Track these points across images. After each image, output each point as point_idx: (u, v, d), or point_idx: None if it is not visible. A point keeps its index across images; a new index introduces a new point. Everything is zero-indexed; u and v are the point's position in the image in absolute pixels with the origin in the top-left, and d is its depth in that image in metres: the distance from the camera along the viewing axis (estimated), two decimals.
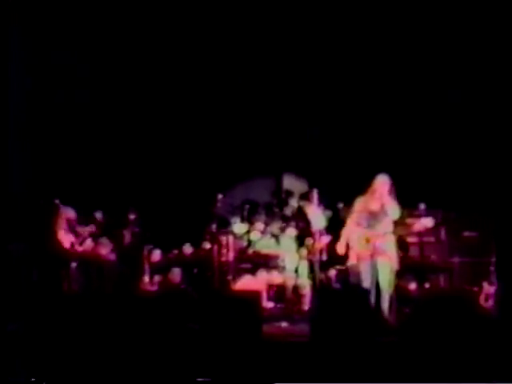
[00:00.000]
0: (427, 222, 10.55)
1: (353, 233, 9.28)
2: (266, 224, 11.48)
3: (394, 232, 9.25)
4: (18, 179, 10.81)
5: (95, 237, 10.87)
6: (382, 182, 9.22)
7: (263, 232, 11.37)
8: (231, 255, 11.05)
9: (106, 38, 11.91)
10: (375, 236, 9.11)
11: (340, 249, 9.37)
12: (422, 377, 6.95)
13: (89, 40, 11.86)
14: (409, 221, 10.48)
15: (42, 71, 11.38)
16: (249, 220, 11.51)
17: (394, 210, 9.13)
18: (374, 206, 9.19)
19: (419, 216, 10.73)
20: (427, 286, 10.79)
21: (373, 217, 9.18)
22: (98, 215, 11.22)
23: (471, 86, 11.76)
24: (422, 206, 10.87)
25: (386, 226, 9.17)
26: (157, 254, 11.40)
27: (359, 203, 9.29)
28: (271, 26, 11.93)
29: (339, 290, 10.25)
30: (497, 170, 11.51)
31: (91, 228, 10.87)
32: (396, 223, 9.26)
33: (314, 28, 11.91)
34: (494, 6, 11.01)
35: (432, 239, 10.98)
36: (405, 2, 11.51)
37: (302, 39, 12.06)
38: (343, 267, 10.33)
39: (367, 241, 9.14)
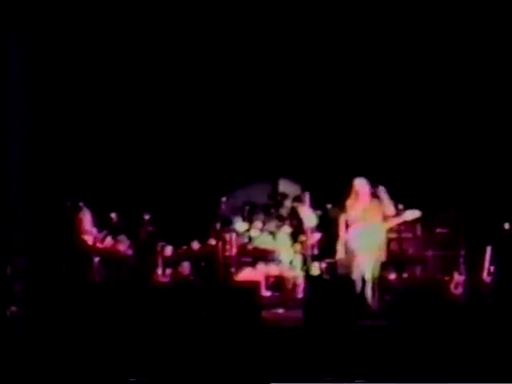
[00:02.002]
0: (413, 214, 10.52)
1: (349, 231, 9.32)
2: (264, 223, 11.46)
3: (383, 226, 9.30)
4: (44, 183, 10.87)
5: (115, 235, 10.94)
6: (361, 184, 9.28)
7: (262, 230, 11.34)
8: (234, 250, 10.98)
9: (115, 38, 11.68)
10: (366, 231, 9.16)
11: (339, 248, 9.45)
12: (401, 353, 7.01)
13: (93, 38, 11.62)
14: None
15: (46, 73, 11.12)
16: (249, 219, 11.50)
17: (388, 205, 9.20)
18: (362, 204, 9.23)
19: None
20: (405, 275, 10.82)
21: (363, 214, 9.21)
22: (116, 216, 11.30)
23: (442, 92, 11.82)
24: (401, 207, 10.89)
25: (376, 220, 9.21)
26: (168, 250, 11.42)
27: (349, 205, 9.32)
28: (269, 37, 11.81)
29: (329, 280, 10.26)
30: (466, 174, 11.57)
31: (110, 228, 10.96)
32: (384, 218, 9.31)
33: (305, 40, 11.80)
34: (493, 8, 10.92)
35: (409, 235, 10.94)
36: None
37: (293, 51, 11.95)
38: (332, 260, 10.37)
39: (361, 236, 9.18)
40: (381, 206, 9.24)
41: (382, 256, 9.26)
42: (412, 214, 9.51)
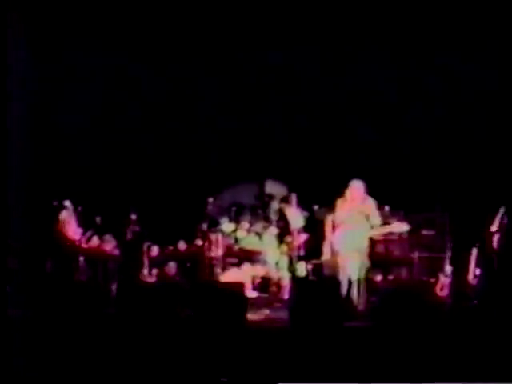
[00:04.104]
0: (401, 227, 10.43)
1: (335, 232, 9.27)
2: (251, 224, 11.44)
3: (370, 233, 9.27)
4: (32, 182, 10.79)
5: (101, 234, 10.89)
6: (356, 187, 9.22)
7: (248, 231, 11.33)
8: (220, 251, 10.99)
9: (105, 37, 11.64)
10: (353, 233, 9.10)
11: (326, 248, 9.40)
12: (386, 355, 6.99)
13: (89, 37, 11.62)
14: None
15: (44, 72, 11.09)
16: (235, 220, 11.46)
17: (375, 215, 9.15)
18: (352, 206, 9.17)
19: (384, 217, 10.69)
20: (391, 277, 10.81)
21: (351, 215, 9.15)
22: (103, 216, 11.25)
23: (427, 94, 11.82)
24: (387, 208, 10.87)
25: (363, 223, 9.17)
26: (155, 250, 11.40)
27: (339, 205, 9.26)
28: (255, 38, 11.77)
29: (315, 281, 10.23)
30: (452, 176, 11.58)
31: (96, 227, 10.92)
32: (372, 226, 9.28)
33: (291, 41, 11.77)
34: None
35: (395, 237, 10.95)
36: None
37: (280, 53, 11.97)
38: (318, 262, 10.33)
39: (347, 237, 9.13)
40: (369, 213, 9.19)
41: (368, 257, 9.23)
42: (399, 227, 9.51)
